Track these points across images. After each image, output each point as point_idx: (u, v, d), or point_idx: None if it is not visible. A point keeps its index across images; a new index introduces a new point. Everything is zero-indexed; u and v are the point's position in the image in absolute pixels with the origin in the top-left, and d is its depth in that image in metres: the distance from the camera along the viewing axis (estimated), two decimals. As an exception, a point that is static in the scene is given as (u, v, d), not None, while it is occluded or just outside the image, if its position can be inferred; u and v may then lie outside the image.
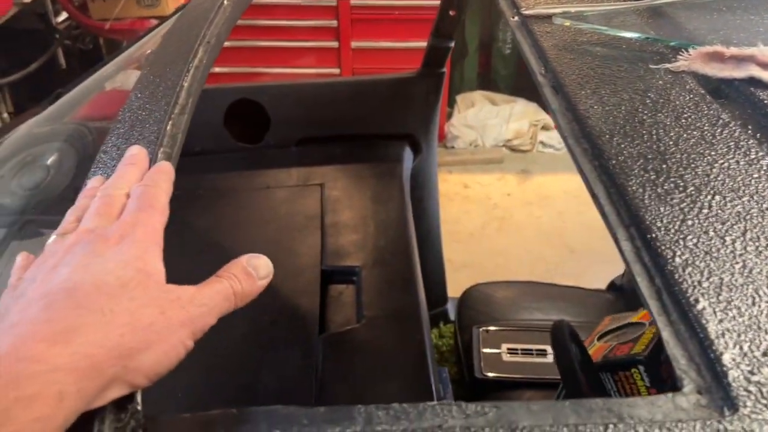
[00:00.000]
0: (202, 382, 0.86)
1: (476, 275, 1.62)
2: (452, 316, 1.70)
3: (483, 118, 2.72)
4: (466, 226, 2.32)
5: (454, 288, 1.72)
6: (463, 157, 2.67)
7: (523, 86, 2.95)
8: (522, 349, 1.34)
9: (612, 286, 1.50)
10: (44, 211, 1.01)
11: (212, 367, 0.87)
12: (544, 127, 2.73)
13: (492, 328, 1.38)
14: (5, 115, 2.13)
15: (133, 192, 0.41)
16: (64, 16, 2.39)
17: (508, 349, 1.35)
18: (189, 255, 1.11)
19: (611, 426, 0.28)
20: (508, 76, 2.92)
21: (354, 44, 2.57)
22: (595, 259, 2.13)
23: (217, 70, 2.50)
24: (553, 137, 2.73)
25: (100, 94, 1.24)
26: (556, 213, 2.34)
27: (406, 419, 0.29)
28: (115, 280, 0.33)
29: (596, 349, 1.06)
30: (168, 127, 0.51)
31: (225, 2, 0.76)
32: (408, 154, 1.41)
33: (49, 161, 1.08)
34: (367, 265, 1.11)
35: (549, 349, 1.34)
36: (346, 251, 1.14)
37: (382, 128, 1.42)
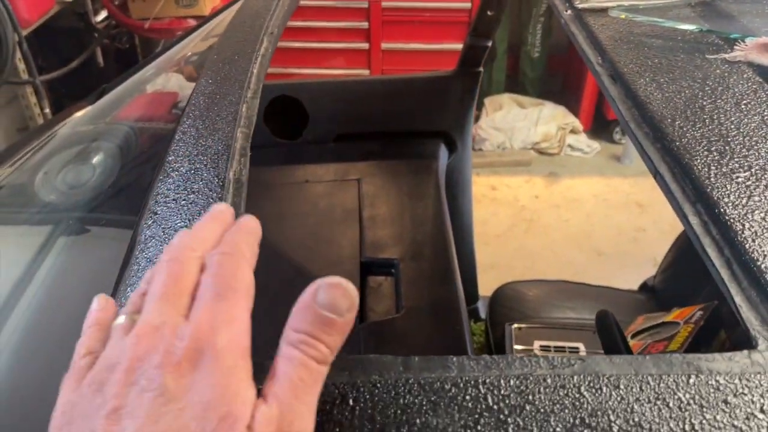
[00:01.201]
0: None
1: (504, 276, 1.63)
2: (482, 314, 1.71)
3: (511, 120, 2.73)
4: (493, 227, 2.33)
5: (483, 288, 1.73)
6: (491, 159, 2.69)
7: (551, 89, 2.95)
8: (555, 347, 1.35)
9: (644, 287, 1.50)
10: (89, 208, 1.03)
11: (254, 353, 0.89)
12: (572, 131, 2.74)
13: (524, 325, 1.39)
14: (47, 110, 2.18)
15: (209, 264, 0.33)
16: (102, 15, 2.45)
17: (541, 346, 1.36)
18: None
19: (693, 376, 0.30)
20: (536, 80, 2.93)
21: (384, 46, 2.60)
22: (623, 262, 2.13)
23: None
24: (581, 141, 2.73)
25: (141, 95, 1.27)
26: (584, 216, 2.34)
27: (496, 368, 0.31)
28: None
29: (630, 347, 1.07)
30: (243, 109, 0.54)
31: (283, -4, 0.78)
32: (443, 152, 1.43)
33: (95, 160, 1.11)
34: (405, 258, 1.13)
35: (582, 347, 1.35)
36: (385, 244, 1.16)
37: (417, 126, 1.44)
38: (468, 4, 2.45)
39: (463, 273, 1.57)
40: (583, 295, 1.46)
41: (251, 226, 0.36)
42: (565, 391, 0.30)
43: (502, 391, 0.30)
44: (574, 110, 2.80)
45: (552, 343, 1.34)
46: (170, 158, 0.51)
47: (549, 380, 0.30)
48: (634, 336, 1.24)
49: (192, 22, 2.17)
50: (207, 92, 0.59)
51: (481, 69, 1.42)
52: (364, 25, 2.56)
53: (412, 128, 1.44)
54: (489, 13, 1.31)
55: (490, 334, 1.43)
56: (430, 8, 2.49)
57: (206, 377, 0.28)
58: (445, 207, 1.27)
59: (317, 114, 1.41)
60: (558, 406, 0.29)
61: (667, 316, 1.22)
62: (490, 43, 1.37)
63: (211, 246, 0.35)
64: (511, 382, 0.30)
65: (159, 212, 0.46)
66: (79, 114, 1.21)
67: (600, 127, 2.82)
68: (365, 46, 2.61)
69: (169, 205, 0.46)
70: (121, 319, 0.33)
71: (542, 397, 0.30)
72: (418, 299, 1.05)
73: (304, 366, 0.29)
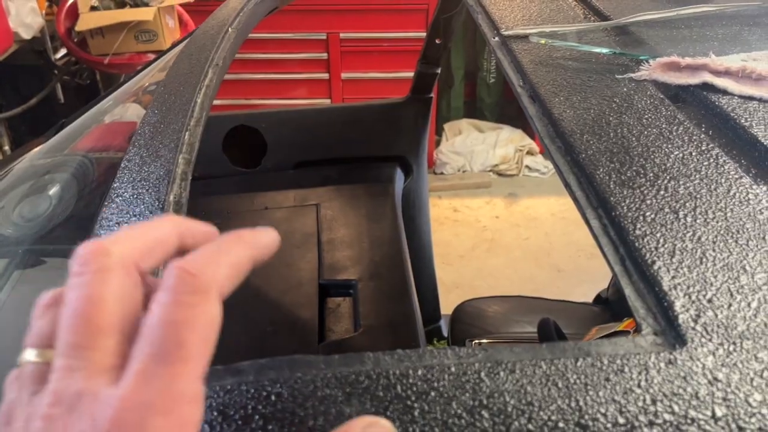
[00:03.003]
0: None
1: (467, 295, 1.67)
2: (445, 332, 1.74)
3: (470, 144, 2.80)
4: (456, 248, 2.38)
5: (447, 308, 1.76)
6: (452, 183, 2.75)
7: (507, 114, 3.04)
8: (514, 361, 1.38)
9: (598, 299, 1.55)
10: (46, 240, 1.03)
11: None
12: (530, 152, 2.82)
13: (485, 341, 1.42)
14: (6, 148, 2.18)
15: (156, 297, 0.23)
16: (62, 52, 2.46)
17: (500, 361, 1.39)
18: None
19: (581, 359, 0.33)
20: (493, 104, 3.01)
21: (344, 75, 2.66)
22: (582, 278, 2.18)
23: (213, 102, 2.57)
24: (539, 162, 2.81)
25: (99, 126, 1.28)
26: (543, 234, 2.41)
27: (408, 360, 0.34)
28: None
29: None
30: (186, 136, 0.57)
31: (229, 30, 0.82)
32: (399, 175, 1.48)
33: (51, 191, 1.11)
34: (363, 278, 1.16)
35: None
36: (343, 266, 1.19)
37: (374, 151, 1.49)
38: (423, 33, 2.53)
39: (424, 292, 1.61)
40: (541, 309, 1.50)
41: (255, 240, 0.28)
42: (467, 378, 0.33)
43: (410, 380, 0.33)
44: (531, 133, 2.89)
45: (511, 358, 1.37)
46: (115, 185, 0.54)
47: (454, 368, 0.33)
48: (589, 347, 1.28)
49: (152, 57, 2.20)
50: (152, 122, 0.61)
51: (432, 95, 1.48)
52: (324, 56, 2.62)
53: (368, 153, 1.49)
54: (437, 41, 1.36)
55: (452, 352, 1.46)
56: (386, 38, 2.56)
57: None
58: (402, 228, 1.30)
59: (276, 142, 1.44)
60: (460, 390, 0.32)
61: (619, 326, 1.27)
62: (438, 70, 1.43)
63: (160, 255, 0.26)
64: (419, 372, 0.33)
65: (102, 235, 0.48)
66: (36, 149, 1.22)
67: (557, 147, 2.90)
68: (326, 76, 2.67)
69: (111, 228, 0.48)
70: (31, 355, 0.25)
71: (446, 384, 0.33)
72: (375, 318, 1.08)
73: None
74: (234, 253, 0.27)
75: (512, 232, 2.44)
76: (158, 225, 0.27)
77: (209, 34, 0.80)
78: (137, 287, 0.25)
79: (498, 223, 2.51)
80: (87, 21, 2.13)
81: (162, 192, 0.50)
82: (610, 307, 1.50)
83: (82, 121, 1.22)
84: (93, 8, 2.22)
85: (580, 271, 2.20)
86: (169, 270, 0.24)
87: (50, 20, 2.34)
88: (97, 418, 0.21)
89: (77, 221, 1.00)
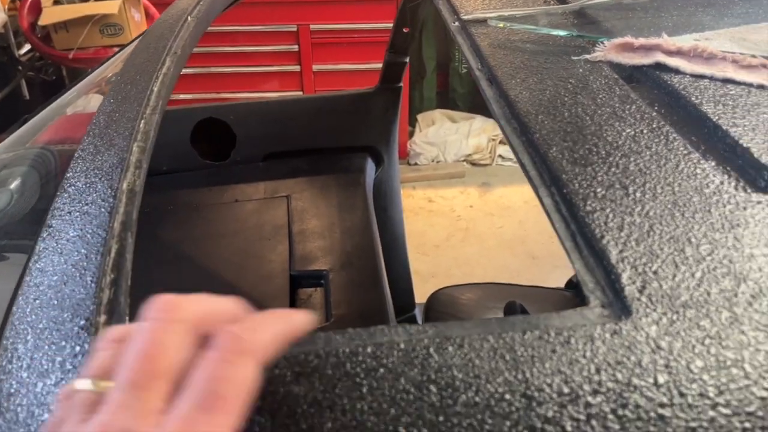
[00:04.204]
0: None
1: (443, 284, 1.67)
2: (420, 322, 1.75)
3: (443, 135, 2.81)
4: (431, 238, 2.39)
5: (423, 297, 1.77)
6: (426, 173, 2.75)
7: (480, 104, 3.05)
8: (487, 347, 1.39)
9: (569, 284, 1.57)
10: (8, 235, 1.01)
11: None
12: (502, 141, 2.83)
13: (458, 328, 1.43)
14: (-31, 146, 2.13)
15: (206, 355, 0.27)
16: (26, 48, 2.42)
17: (474, 347, 1.40)
18: (162, 266, 1.15)
19: (528, 332, 0.34)
20: (465, 95, 3.02)
21: (315, 67, 2.64)
22: (556, 264, 2.21)
23: (183, 96, 2.54)
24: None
25: (62, 118, 1.26)
26: (516, 222, 2.43)
27: (358, 339, 0.34)
28: None
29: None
30: (141, 125, 0.56)
31: (189, 19, 0.81)
32: (370, 165, 1.47)
33: (13, 186, 1.09)
34: (335, 269, 1.16)
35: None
36: (314, 257, 1.19)
37: (344, 141, 1.48)
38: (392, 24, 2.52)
39: (397, 281, 1.61)
40: (513, 295, 1.51)
41: (293, 318, 0.30)
42: (416, 354, 0.33)
43: (360, 358, 0.33)
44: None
45: (485, 344, 1.38)
46: (68, 174, 0.53)
47: (403, 345, 0.34)
48: (560, 331, 1.30)
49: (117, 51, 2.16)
50: (108, 111, 0.61)
51: (402, 84, 1.47)
52: (295, 48, 2.60)
53: (338, 144, 1.48)
54: (404, 30, 1.36)
55: (427, 341, 1.47)
56: (357, 29, 2.55)
57: None
58: (373, 218, 1.30)
59: (245, 135, 1.43)
60: (408, 366, 0.32)
61: (589, 309, 1.28)
62: (407, 60, 1.42)
63: (217, 321, 0.29)
64: (369, 350, 0.33)
65: (54, 225, 0.47)
66: (-2, 145, 1.19)
67: (530, 136, 2.92)
68: (297, 68, 2.65)
69: (64, 218, 0.48)
70: (85, 384, 0.28)
71: (395, 360, 0.33)
72: (347, 308, 1.08)
73: None
74: (277, 326, 0.30)
75: (487, 220, 2.46)
76: (225, 300, 0.31)
77: (168, 23, 0.79)
78: (194, 344, 0.28)
79: (472, 212, 2.52)
80: (50, 15, 2.09)
81: (115, 180, 0.50)
82: (581, 291, 1.52)
83: (45, 113, 1.20)
84: (56, 2, 2.18)
85: (554, 257, 2.22)
86: (222, 332, 0.28)
87: (13, 15, 2.29)
88: None
89: (39, 215, 0.98)
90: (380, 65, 1.45)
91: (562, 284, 1.65)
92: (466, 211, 2.53)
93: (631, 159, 0.46)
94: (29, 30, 2.19)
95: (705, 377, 0.31)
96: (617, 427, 0.29)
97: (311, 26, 2.56)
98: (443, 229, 2.43)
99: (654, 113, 0.51)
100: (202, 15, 0.82)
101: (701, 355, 0.32)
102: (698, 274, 0.36)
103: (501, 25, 0.67)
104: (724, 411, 0.30)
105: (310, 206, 1.32)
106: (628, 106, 0.52)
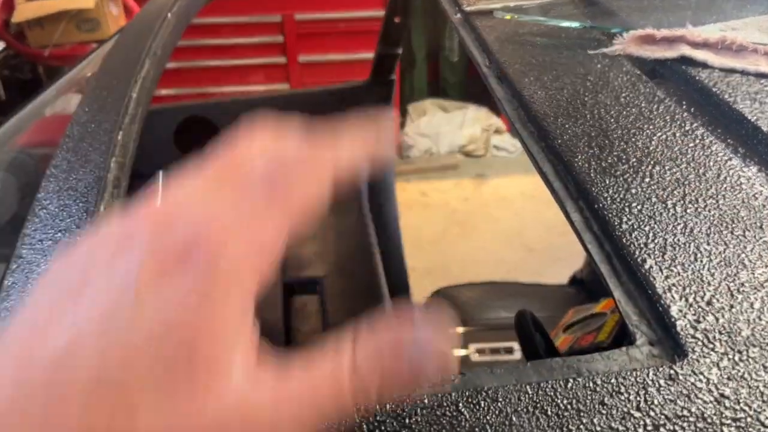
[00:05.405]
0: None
1: (440, 281, 1.63)
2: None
3: (436, 125, 2.76)
4: (427, 233, 2.34)
5: (420, 295, 1.73)
6: (419, 166, 2.70)
7: (472, 92, 3.00)
8: (490, 349, 1.36)
9: (573, 280, 1.53)
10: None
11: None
12: (497, 131, 2.79)
13: (459, 329, 1.39)
14: (-55, 149, 2.05)
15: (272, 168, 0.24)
16: (0, 46, 2.33)
17: (477, 349, 1.36)
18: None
19: (571, 380, 0.29)
20: (457, 84, 2.97)
21: (301, 59, 2.58)
22: (553, 256, 2.17)
23: (165, 92, 2.47)
24: (506, 141, 2.78)
25: (40, 120, 1.21)
26: (513, 214, 2.39)
27: (374, 393, 0.30)
28: (137, 357, 0.19)
29: (562, 341, 1.08)
30: (119, 137, 0.51)
31: (168, 15, 0.75)
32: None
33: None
34: (330, 274, 1.11)
35: (516, 345, 1.36)
36: (308, 262, 1.14)
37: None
38: (381, 12, 2.46)
39: (394, 281, 1.56)
40: (514, 293, 1.47)
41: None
42: (443, 410, 0.28)
43: (378, 418, 0.28)
44: (497, 110, 2.85)
45: (487, 345, 1.35)
46: (40, 195, 0.48)
47: (426, 400, 0.29)
48: (565, 330, 1.26)
49: (95, 47, 2.09)
50: (82, 122, 0.55)
51: (394, 77, 1.42)
52: (280, 39, 2.53)
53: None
54: (396, 20, 1.31)
55: (426, 341, 1.42)
56: (344, 18, 2.49)
57: (187, 283, 0.20)
58: (368, 217, 1.26)
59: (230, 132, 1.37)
60: (435, 427, 0.28)
61: (596, 307, 1.24)
62: (400, 51, 1.37)
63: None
64: (387, 407, 0.29)
65: (24, 256, 0.42)
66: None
67: (522, 125, 2.88)
68: (283, 60, 2.58)
69: (34, 247, 0.42)
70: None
71: (419, 419, 0.28)
72: (345, 315, 1.03)
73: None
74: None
75: (482, 213, 2.41)
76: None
77: (146, 21, 0.74)
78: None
79: (468, 205, 2.48)
80: (24, 11, 2.01)
81: (91, 202, 0.45)
82: (585, 287, 1.48)
83: (22, 115, 1.15)
84: (31, -2, 2.09)
85: (553, 249, 2.18)
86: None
87: (-14, 12, 2.20)
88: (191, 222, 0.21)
89: (18, 222, 0.93)
90: (369, 55, 1.40)
91: (561, 277, 1.61)
92: (462, 204, 2.48)
93: (666, 167, 0.41)
94: (2, 27, 2.11)
95: (780, 432, 0.27)
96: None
97: (296, 16, 2.49)
98: (438, 224, 2.38)
99: (684, 113, 0.47)
100: (182, 11, 0.77)
101: (773, 405, 0.28)
102: (757, 304, 0.32)
103: (508, 16, 0.62)
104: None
105: (302, 207, 1.27)
106: (655, 106, 0.48)
